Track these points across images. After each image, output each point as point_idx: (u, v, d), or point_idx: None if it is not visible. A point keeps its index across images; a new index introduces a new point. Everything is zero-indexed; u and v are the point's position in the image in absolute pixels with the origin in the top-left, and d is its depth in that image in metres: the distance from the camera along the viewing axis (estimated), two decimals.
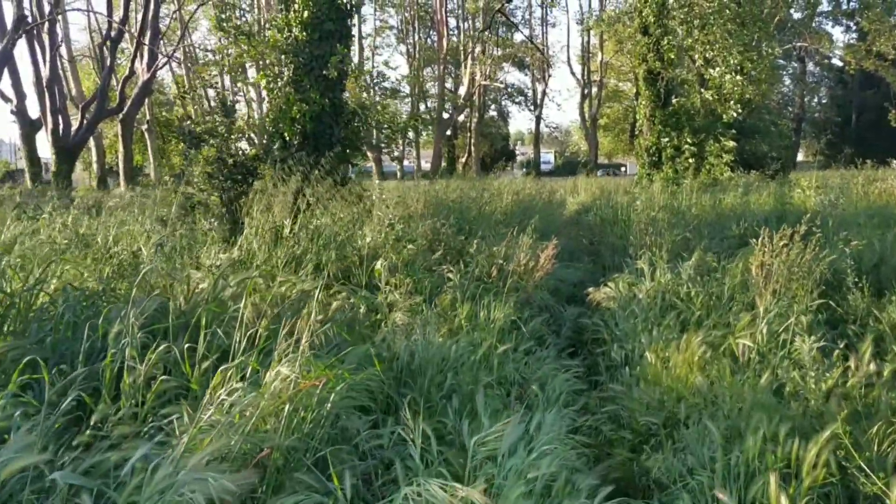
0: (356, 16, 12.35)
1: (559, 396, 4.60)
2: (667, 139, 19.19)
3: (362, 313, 5.29)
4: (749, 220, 10.55)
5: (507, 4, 41.11)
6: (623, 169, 69.94)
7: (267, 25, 16.06)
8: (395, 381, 4.17)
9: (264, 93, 12.13)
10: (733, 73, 13.68)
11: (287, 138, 11.12)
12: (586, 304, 7.15)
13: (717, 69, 13.26)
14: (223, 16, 13.93)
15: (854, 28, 48.14)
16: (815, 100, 59.57)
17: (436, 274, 6.58)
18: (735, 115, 14.95)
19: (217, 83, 40.07)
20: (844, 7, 47.58)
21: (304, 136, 11.18)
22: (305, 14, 10.91)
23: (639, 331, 5.65)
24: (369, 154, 50.06)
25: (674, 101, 19.81)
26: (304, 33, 11.00)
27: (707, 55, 13.41)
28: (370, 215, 8.60)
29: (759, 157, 19.52)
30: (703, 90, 18.33)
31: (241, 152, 11.11)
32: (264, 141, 11.74)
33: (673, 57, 18.28)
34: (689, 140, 18.82)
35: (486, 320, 5.38)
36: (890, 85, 39.47)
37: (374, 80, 50.87)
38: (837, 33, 63.86)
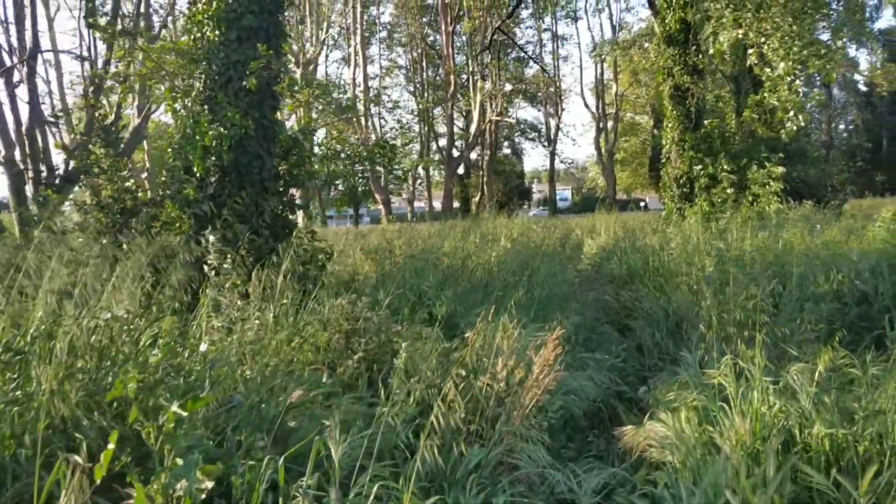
0: (290, 15, 9.28)
1: None
2: (700, 167, 15.93)
3: None
4: (843, 269, 7.29)
5: (507, 21, 38.26)
6: (643, 204, 66.73)
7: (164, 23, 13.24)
8: None
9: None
10: (795, 72, 10.49)
11: (198, 174, 8.05)
12: (616, 451, 3.90)
13: (782, 64, 10.07)
14: (93, 4, 10.92)
15: (881, 48, 45.04)
16: (842, 126, 56.17)
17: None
18: (796, 129, 11.72)
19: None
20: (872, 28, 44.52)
21: (222, 170, 8.12)
22: (216, 5, 7.91)
23: None
24: (377, 196, 47.47)
25: (706, 122, 16.63)
26: (217, 32, 8.00)
27: (764, 47, 10.27)
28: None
29: (811, 185, 16.17)
30: (748, 102, 15.08)
31: (128, 194, 8.08)
32: (163, 179, 8.71)
33: (704, 65, 15.19)
34: (726, 167, 15.55)
35: None
36: None
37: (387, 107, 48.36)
38: (861, 57, 60.76)
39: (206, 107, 8.12)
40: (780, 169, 15.07)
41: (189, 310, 5.21)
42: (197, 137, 8.09)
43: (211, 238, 7.96)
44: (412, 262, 7.46)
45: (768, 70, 10.76)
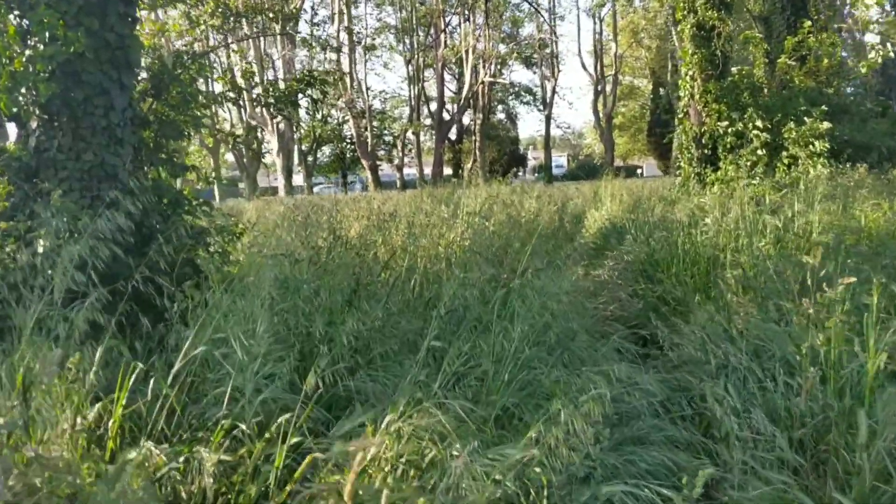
0: None
1: None
2: (726, 123, 12.93)
3: None
4: None
5: None
6: (639, 171, 63.89)
7: None
8: None
9: None
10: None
11: (4, 114, 5.15)
12: None
13: None
14: None
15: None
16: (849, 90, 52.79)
17: None
18: (876, 64, 8.84)
19: None
20: None
21: (45, 110, 5.23)
22: None
23: None
24: (364, 162, 44.32)
25: (733, 70, 13.60)
26: None
27: None
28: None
29: (858, 146, 13.21)
30: (785, 46, 12.15)
31: None
32: None
33: None
34: (758, 123, 12.58)
35: None
36: None
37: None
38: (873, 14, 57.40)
39: (13, 8, 5.18)
40: (826, 124, 12.11)
41: None
42: (4, 60, 5.20)
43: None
44: (340, 258, 4.46)
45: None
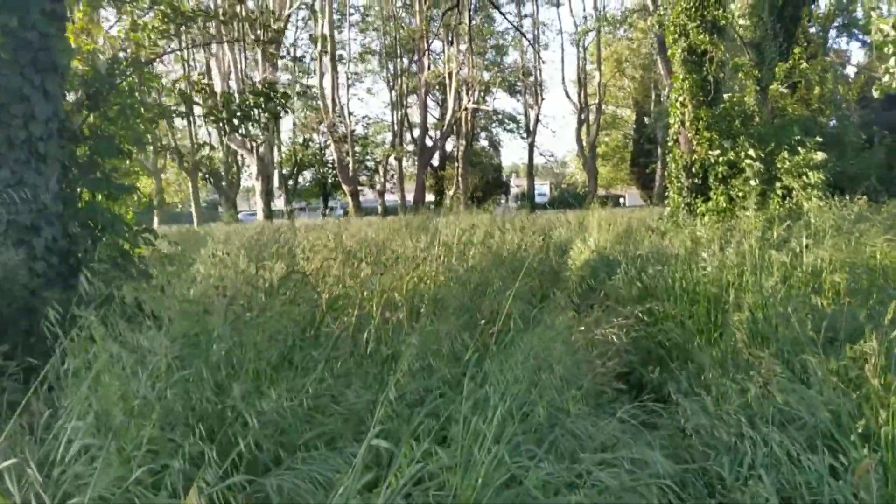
0: None
1: None
2: (718, 151, 12.36)
3: None
4: None
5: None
6: (622, 200, 63.79)
7: None
8: None
9: None
10: None
11: None
12: None
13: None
14: None
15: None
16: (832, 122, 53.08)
17: None
18: (890, 88, 8.31)
19: None
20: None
21: None
22: None
23: None
24: (345, 187, 43.56)
25: (725, 97, 13.06)
26: None
27: None
28: None
29: (852, 177, 12.70)
30: (777, 72, 11.64)
31: None
32: None
33: (727, 21, 11.53)
34: (751, 153, 12.03)
35: None
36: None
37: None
38: (854, 49, 58.10)
39: None
40: (821, 155, 11.58)
41: None
42: None
43: None
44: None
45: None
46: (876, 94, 9.10)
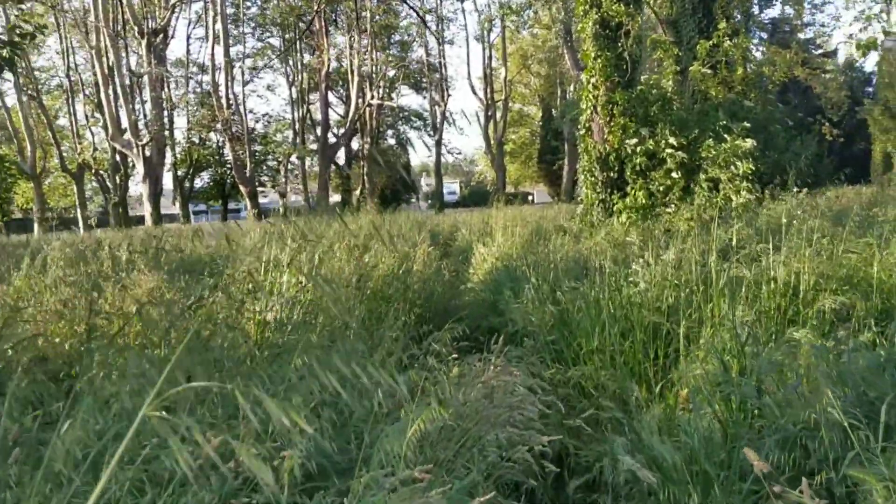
0: None
1: None
2: (635, 140, 10.68)
3: None
4: None
5: None
6: (530, 198, 62.96)
7: None
8: None
9: None
10: None
11: None
12: None
13: None
14: None
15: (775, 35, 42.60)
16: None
17: None
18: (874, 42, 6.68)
19: None
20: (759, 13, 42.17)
21: None
22: None
23: None
24: (242, 188, 40.46)
25: (641, 79, 11.36)
26: None
27: None
28: None
29: (782, 168, 11.30)
30: (698, 51, 10.03)
31: None
32: None
33: None
34: (671, 141, 10.42)
35: None
36: (813, 96, 34.63)
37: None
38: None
39: None
40: (750, 142, 10.06)
41: None
42: None
43: None
44: None
45: None
46: (857, 55, 7.60)
